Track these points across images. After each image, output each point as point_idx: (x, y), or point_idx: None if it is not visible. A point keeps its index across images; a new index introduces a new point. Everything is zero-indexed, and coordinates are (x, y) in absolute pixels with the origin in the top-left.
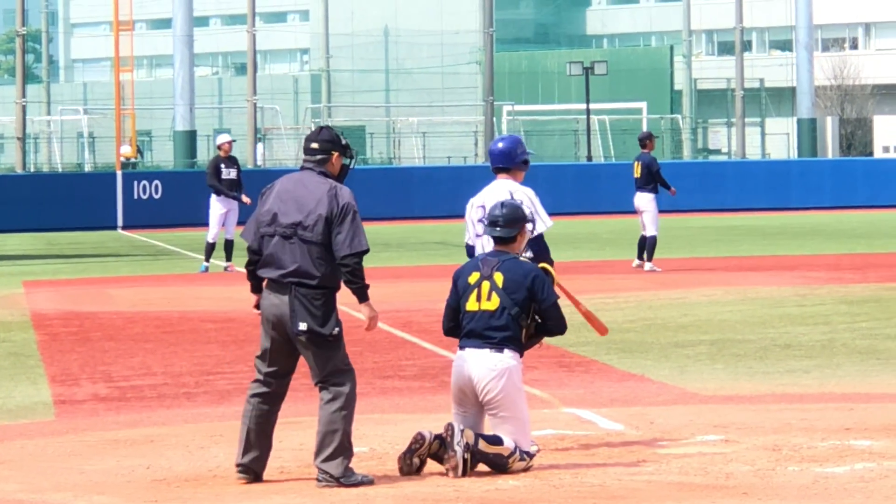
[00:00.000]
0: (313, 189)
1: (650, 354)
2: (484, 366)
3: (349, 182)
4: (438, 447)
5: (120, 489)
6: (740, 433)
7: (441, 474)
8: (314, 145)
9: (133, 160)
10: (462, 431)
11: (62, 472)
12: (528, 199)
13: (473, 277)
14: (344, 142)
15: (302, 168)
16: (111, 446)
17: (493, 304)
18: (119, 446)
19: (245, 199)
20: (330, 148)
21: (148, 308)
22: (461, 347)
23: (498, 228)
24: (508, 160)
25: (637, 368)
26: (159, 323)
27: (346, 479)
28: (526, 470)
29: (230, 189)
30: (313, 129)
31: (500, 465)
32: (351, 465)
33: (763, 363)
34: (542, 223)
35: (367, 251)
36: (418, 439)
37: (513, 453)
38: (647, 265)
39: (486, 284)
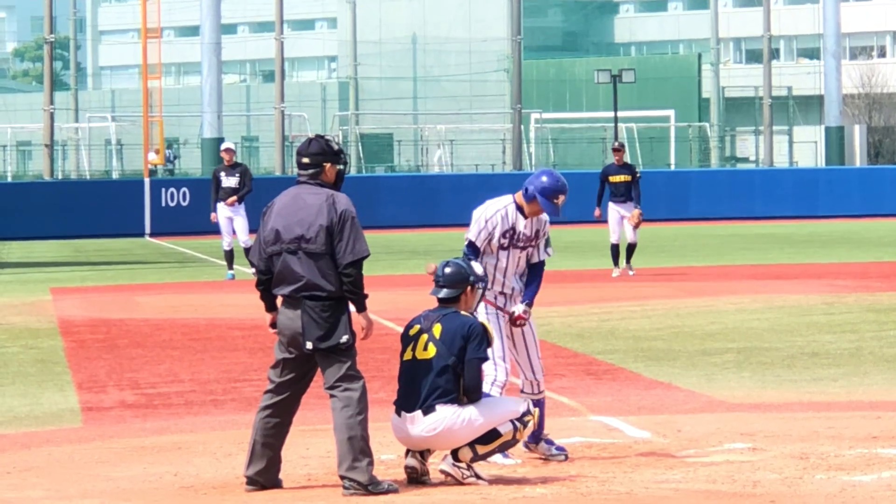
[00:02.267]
0: (311, 201)
1: (677, 362)
2: (419, 429)
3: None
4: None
5: (147, 496)
6: (767, 441)
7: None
8: (305, 160)
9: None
10: (453, 465)
11: (89, 479)
12: (478, 212)
13: (413, 330)
14: (336, 148)
15: (297, 182)
16: (138, 453)
17: (428, 353)
18: (146, 453)
19: (229, 200)
20: (321, 160)
21: (175, 315)
22: (396, 411)
23: (442, 289)
24: (532, 187)
25: (664, 376)
26: (186, 330)
27: (374, 488)
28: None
29: (228, 196)
30: (304, 140)
31: (510, 444)
32: (374, 474)
33: (790, 371)
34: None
35: (367, 256)
36: (410, 472)
37: (515, 430)
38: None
39: (424, 337)
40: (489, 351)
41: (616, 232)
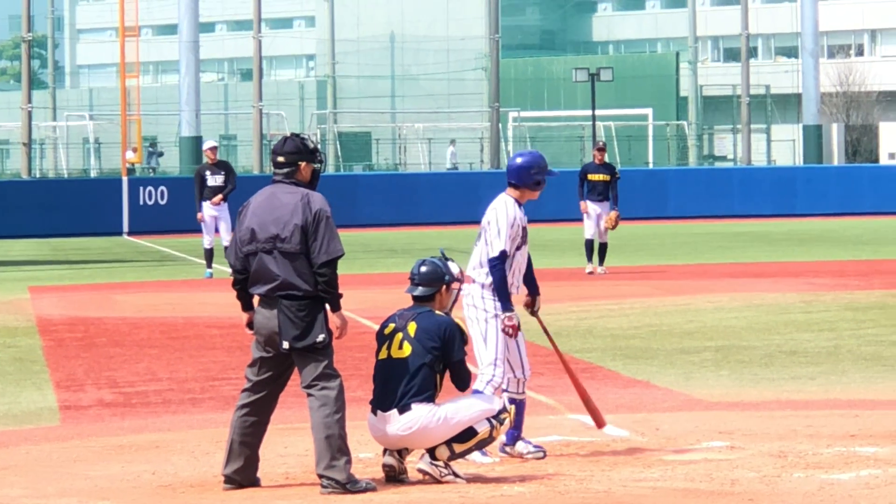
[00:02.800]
0: (286, 200)
1: (655, 361)
2: (395, 428)
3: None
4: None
5: (125, 495)
6: (746, 440)
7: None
8: (280, 158)
9: (139, 165)
10: (430, 464)
11: (67, 477)
12: (495, 218)
13: (388, 329)
14: (311, 146)
15: (273, 181)
16: (116, 452)
17: (404, 352)
18: (124, 452)
19: (215, 199)
20: (296, 159)
21: (153, 314)
22: (372, 410)
23: (417, 287)
24: (518, 178)
25: (642, 375)
26: (165, 329)
27: (352, 486)
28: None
29: (214, 195)
30: (280, 139)
31: (487, 442)
32: (352, 472)
33: (768, 370)
34: (491, 247)
35: (341, 256)
36: (388, 471)
37: (492, 427)
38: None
39: (398, 335)
40: (493, 351)
41: (591, 228)
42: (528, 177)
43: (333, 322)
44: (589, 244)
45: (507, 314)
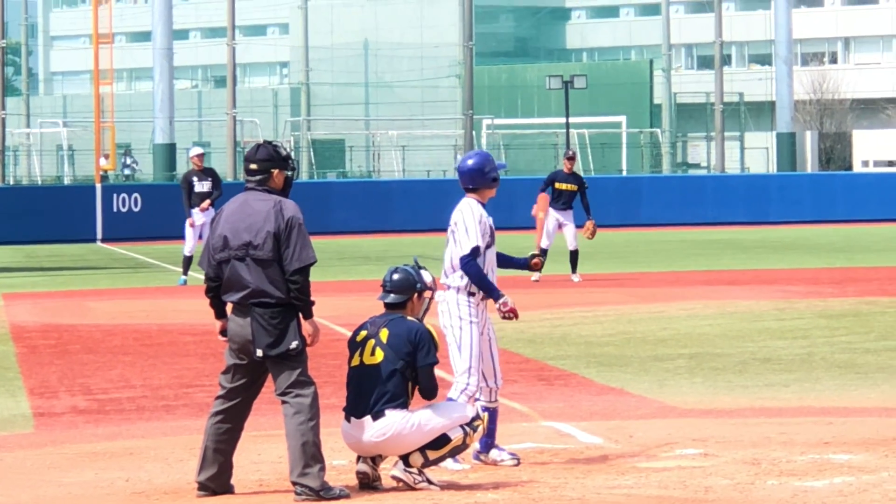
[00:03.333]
0: (258, 208)
1: (629, 368)
2: (369, 435)
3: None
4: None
5: (99, 501)
6: (719, 447)
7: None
8: (252, 166)
9: (112, 172)
10: (404, 471)
11: (41, 484)
12: (461, 218)
13: (361, 336)
14: (284, 154)
15: (245, 188)
16: (90, 459)
17: (376, 358)
18: (98, 459)
19: (204, 205)
20: (269, 166)
21: (127, 321)
22: (346, 417)
23: (389, 294)
24: (473, 180)
25: (616, 382)
26: (138, 335)
27: (326, 493)
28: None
29: (202, 201)
30: (252, 146)
31: (461, 450)
32: (326, 479)
33: (742, 377)
34: (460, 247)
35: (314, 263)
36: (362, 478)
37: (465, 435)
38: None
39: (371, 342)
40: (468, 359)
41: (550, 237)
42: (482, 176)
43: (306, 329)
44: (544, 253)
45: (501, 301)
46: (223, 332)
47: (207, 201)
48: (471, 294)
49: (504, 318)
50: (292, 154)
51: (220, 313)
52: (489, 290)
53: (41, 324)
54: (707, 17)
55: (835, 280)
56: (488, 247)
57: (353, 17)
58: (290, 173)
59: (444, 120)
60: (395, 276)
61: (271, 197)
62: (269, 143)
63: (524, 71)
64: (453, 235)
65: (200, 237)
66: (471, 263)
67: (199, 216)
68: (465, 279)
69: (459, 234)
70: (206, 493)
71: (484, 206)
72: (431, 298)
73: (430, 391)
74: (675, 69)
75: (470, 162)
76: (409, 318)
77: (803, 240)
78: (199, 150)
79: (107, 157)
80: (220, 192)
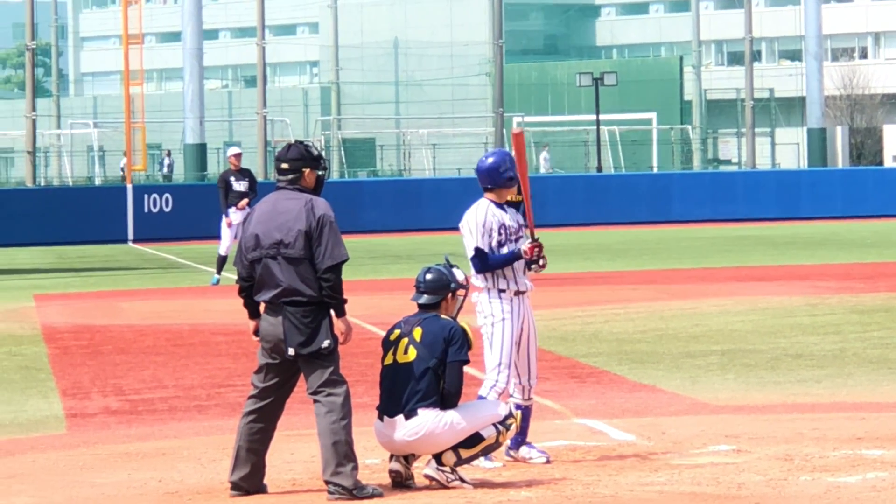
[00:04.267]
0: (290, 206)
1: (661, 365)
2: (402, 434)
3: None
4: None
5: (132, 502)
6: (752, 443)
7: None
8: (284, 165)
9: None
10: (437, 469)
11: (74, 485)
12: (465, 223)
13: (394, 335)
14: (315, 153)
15: (277, 188)
16: (123, 459)
17: (409, 356)
18: (131, 459)
19: (242, 204)
20: (300, 166)
21: (159, 321)
22: (378, 416)
23: (422, 295)
24: (491, 180)
25: (648, 379)
26: (170, 336)
27: (359, 492)
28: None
29: (240, 200)
30: (283, 146)
31: (494, 448)
32: (359, 478)
33: (774, 373)
34: (467, 249)
35: (346, 261)
36: (394, 476)
37: (498, 433)
38: None
39: (404, 341)
40: (498, 355)
41: None
42: (498, 175)
43: (338, 327)
44: None
45: (522, 249)
46: (257, 332)
47: (245, 200)
48: (501, 291)
49: (536, 259)
50: (323, 153)
51: (253, 313)
52: (509, 259)
53: (73, 325)
54: (737, 13)
55: (866, 275)
56: (501, 245)
57: (383, 16)
58: (321, 173)
59: (475, 118)
60: (429, 277)
61: (303, 195)
62: (301, 142)
63: (554, 68)
64: (464, 240)
65: (236, 237)
66: (480, 261)
67: (236, 215)
68: (488, 279)
69: (465, 238)
70: (239, 493)
71: (503, 206)
72: (465, 297)
73: (454, 387)
74: (705, 65)
75: (489, 161)
76: (443, 316)
77: (835, 235)
78: (236, 150)
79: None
80: (255, 194)
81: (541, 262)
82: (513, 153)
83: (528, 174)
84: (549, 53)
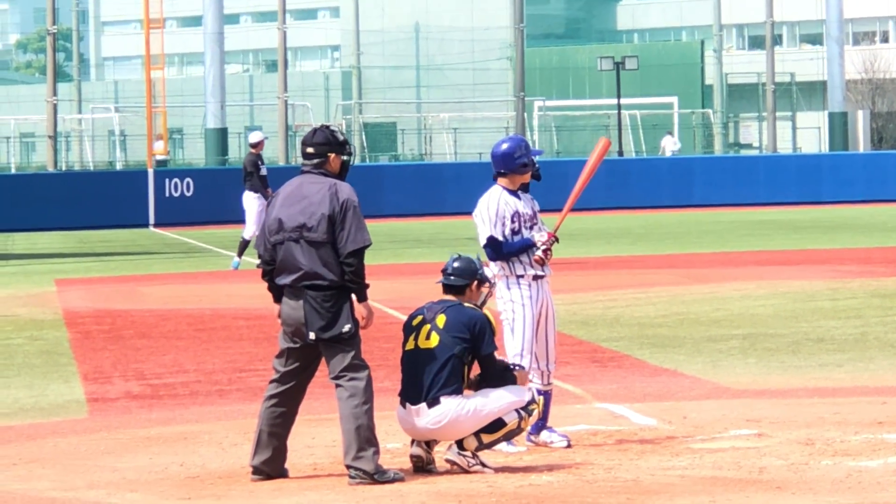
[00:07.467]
0: (314, 190)
1: (683, 349)
2: (425, 422)
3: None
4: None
5: (153, 486)
6: (773, 427)
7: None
8: (309, 150)
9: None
10: (459, 454)
11: (95, 469)
12: (478, 211)
13: (417, 320)
14: (341, 138)
15: (301, 171)
16: (144, 444)
17: (431, 342)
18: (152, 444)
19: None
20: (326, 150)
21: (180, 305)
22: (401, 402)
23: (450, 277)
24: (505, 165)
25: (670, 363)
26: (191, 320)
27: (380, 476)
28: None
29: (264, 186)
30: (309, 130)
31: (516, 433)
32: (380, 462)
33: (795, 357)
34: (480, 238)
35: (369, 245)
36: (416, 461)
37: (520, 419)
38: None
39: (426, 326)
40: (520, 342)
41: None
42: (511, 161)
43: (360, 312)
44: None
45: (536, 239)
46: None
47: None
48: (519, 276)
49: (542, 261)
50: (348, 139)
51: (278, 297)
52: (523, 248)
53: (94, 309)
54: None
55: (888, 259)
56: (515, 232)
57: (404, 1)
58: (346, 158)
59: (496, 102)
60: (457, 264)
61: (327, 180)
62: (327, 126)
63: (575, 52)
64: (476, 228)
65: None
66: (493, 248)
67: (259, 200)
68: (505, 266)
69: (478, 227)
70: (261, 477)
71: (515, 193)
72: (489, 294)
73: (496, 374)
74: (726, 49)
75: (504, 146)
76: (467, 304)
77: (856, 219)
78: (261, 135)
79: (159, 137)
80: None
81: (545, 258)
82: (593, 156)
83: (589, 180)
84: (571, 37)
